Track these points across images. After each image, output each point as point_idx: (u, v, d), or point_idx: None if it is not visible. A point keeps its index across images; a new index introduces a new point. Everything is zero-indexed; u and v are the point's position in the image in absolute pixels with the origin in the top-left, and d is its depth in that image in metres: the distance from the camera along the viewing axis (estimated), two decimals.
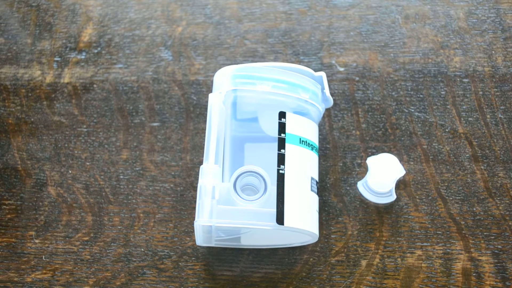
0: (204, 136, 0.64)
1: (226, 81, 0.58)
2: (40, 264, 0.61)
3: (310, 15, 0.70)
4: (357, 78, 0.67)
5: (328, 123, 0.65)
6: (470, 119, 0.65)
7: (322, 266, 0.60)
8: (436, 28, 0.69)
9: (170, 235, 0.61)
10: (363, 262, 0.60)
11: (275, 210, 0.54)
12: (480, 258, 0.60)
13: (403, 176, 0.63)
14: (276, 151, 0.56)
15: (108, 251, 0.61)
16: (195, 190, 0.63)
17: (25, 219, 0.62)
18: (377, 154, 0.62)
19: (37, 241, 0.61)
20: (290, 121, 0.57)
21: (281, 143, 0.57)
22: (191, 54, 0.69)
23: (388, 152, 0.64)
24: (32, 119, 0.67)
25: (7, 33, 0.71)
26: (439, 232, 0.61)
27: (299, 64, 0.67)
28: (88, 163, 0.64)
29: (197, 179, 0.63)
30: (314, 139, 0.59)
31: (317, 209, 0.58)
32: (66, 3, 0.72)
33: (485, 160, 0.63)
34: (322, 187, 0.62)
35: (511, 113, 0.65)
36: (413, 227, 0.61)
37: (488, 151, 0.63)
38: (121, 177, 0.64)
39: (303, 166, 0.57)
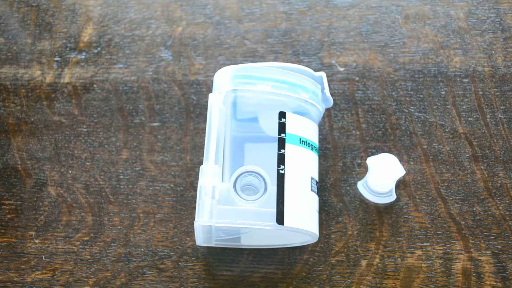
0: (204, 136, 0.64)
1: (226, 81, 0.58)
2: (40, 264, 0.61)
3: (310, 15, 0.70)
4: (357, 78, 0.67)
5: (328, 123, 0.65)
6: (470, 119, 0.65)
7: (322, 266, 0.60)
8: (436, 28, 0.69)
9: (170, 235, 0.61)
10: (363, 262, 0.60)
11: (275, 210, 0.54)
12: (480, 258, 0.60)
13: (403, 176, 0.63)
14: (276, 151, 0.56)
15: (108, 251, 0.61)
16: (195, 190, 0.63)
17: (25, 219, 0.62)
18: (377, 154, 0.62)
19: (37, 241, 0.61)
20: (290, 121, 0.57)
21: (281, 143, 0.57)
22: (191, 54, 0.69)
23: (388, 152, 0.64)
24: (32, 119, 0.67)
25: (7, 33, 0.71)
26: (439, 232, 0.61)
27: (299, 64, 0.67)
28: (88, 163, 0.64)
29: (197, 179, 0.63)
30: (314, 139, 0.59)
31: (317, 209, 0.58)
32: (66, 3, 0.72)
33: (485, 160, 0.63)
34: (322, 187, 0.62)
35: (511, 113, 0.65)
36: (413, 227, 0.61)
37: (488, 151, 0.63)
38: (121, 177, 0.64)
39: (303, 166, 0.57)
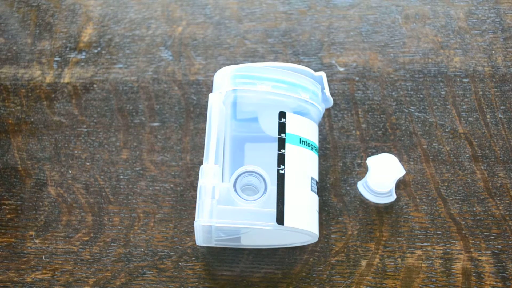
0: (204, 136, 0.64)
1: (226, 81, 0.58)
2: (40, 264, 0.61)
3: (310, 15, 0.70)
4: (357, 78, 0.67)
5: (328, 123, 0.65)
6: (470, 119, 0.65)
7: (322, 266, 0.60)
8: (436, 28, 0.69)
9: (170, 235, 0.61)
10: (363, 262, 0.60)
11: (275, 210, 0.54)
12: (480, 258, 0.60)
13: (403, 176, 0.63)
14: (276, 151, 0.56)
15: (108, 251, 0.61)
16: (195, 190, 0.63)
17: (25, 219, 0.62)
18: (377, 154, 0.62)
19: (37, 241, 0.61)
20: (290, 121, 0.57)
21: (281, 143, 0.57)
22: (191, 54, 0.69)
23: (388, 152, 0.64)
24: (32, 119, 0.67)
25: (7, 33, 0.71)
26: (439, 232, 0.61)
27: (299, 64, 0.67)
28: (88, 163, 0.64)
29: (197, 179, 0.63)
30: (314, 139, 0.59)
31: (317, 209, 0.58)
32: (66, 3, 0.72)
33: (485, 160, 0.63)
34: (322, 187, 0.62)
35: (511, 113, 0.65)
36: (413, 227, 0.61)
37: (488, 151, 0.63)
38: (121, 177, 0.64)
39: (303, 166, 0.57)
